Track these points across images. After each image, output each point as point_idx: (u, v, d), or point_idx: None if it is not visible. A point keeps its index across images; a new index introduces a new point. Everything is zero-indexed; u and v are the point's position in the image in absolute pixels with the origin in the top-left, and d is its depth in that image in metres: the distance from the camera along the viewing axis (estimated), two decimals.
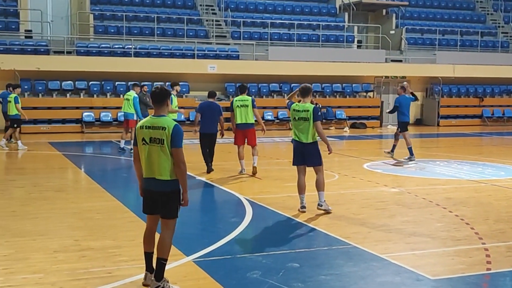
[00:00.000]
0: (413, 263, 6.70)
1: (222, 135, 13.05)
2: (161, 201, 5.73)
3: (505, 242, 7.68)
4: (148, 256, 5.96)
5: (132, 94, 16.74)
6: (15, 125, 17.75)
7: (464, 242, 7.64)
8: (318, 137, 9.17)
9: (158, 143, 5.64)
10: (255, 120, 12.96)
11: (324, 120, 25.91)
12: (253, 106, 12.78)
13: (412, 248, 7.37)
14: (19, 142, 17.67)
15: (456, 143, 20.96)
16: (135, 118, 16.61)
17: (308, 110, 9.00)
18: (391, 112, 16.59)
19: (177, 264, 6.58)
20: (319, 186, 9.17)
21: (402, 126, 15.52)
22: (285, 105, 25.55)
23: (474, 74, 28.87)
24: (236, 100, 12.87)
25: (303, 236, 8.05)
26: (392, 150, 15.81)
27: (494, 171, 13.93)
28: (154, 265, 5.92)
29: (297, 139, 9.22)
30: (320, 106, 25.64)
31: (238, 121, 12.74)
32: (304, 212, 9.14)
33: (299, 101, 9.30)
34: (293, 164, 9.39)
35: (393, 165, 14.88)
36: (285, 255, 6.99)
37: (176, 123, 5.72)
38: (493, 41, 32.02)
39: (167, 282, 5.74)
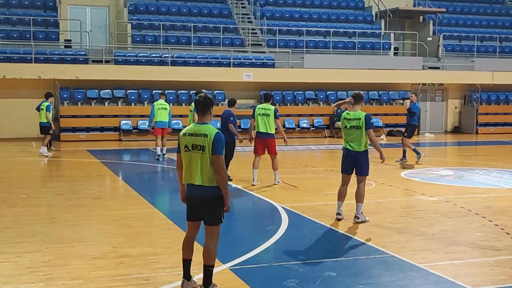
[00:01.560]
0: (452, 273, 6.60)
1: (240, 141, 12.45)
2: (204, 207, 5.78)
3: None
4: (186, 263, 6.01)
5: (160, 103, 17.20)
6: (45, 133, 18.18)
7: (505, 252, 7.49)
8: (370, 145, 9.13)
9: (200, 149, 5.72)
10: (276, 130, 12.60)
11: None
12: (276, 117, 12.40)
13: (451, 257, 7.26)
14: (42, 147, 18.00)
15: (495, 151, 20.59)
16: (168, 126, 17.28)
17: (360, 118, 8.87)
18: (413, 120, 16.56)
19: (214, 271, 6.59)
20: (359, 198, 9.06)
21: (413, 132, 16.44)
22: (321, 112, 25.55)
23: None
24: (258, 108, 12.59)
25: (340, 245, 8.00)
26: (404, 155, 16.44)
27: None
28: (191, 272, 5.97)
29: (348, 147, 9.08)
30: None
31: (259, 130, 12.46)
32: (340, 219, 9.08)
33: (346, 109, 9.19)
34: (342, 172, 9.27)
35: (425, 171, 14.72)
36: (322, 264, 6.95)
37: (218, 130, 5.79)
38: None
39: (216, 286, 5.82)
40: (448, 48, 29.57)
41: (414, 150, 16.14)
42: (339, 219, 9.07)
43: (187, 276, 6.00)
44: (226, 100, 24.68)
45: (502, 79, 27.85)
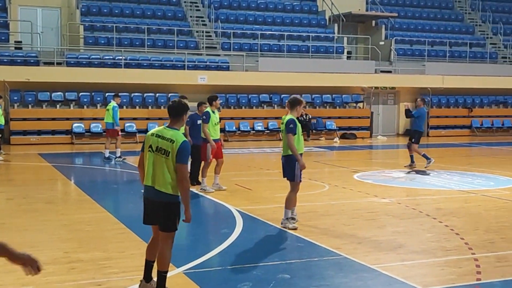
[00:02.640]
0: (404, 274, 6.71)
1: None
2: (160, 212, 5.74)
3: (494, 252, 7.71)
4: (148, 264, 5.98)
5: (112, 104, 17.26)
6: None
7: (454, 252, 7.66)
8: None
9: (164, 154, 5.67)
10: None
11: (314, 131, 26.03)
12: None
13: (402, 258, 7.39)
14: None
15: (445, 154, 21.05)
16: (114, 127, 17.25)
17: (283, 123, 8.93)
18: (411, 117, 16.56)
19: (168, 275, 6.54)
20: (285, 203, 8.94)
21: (420, 137, 16.21)
22: (275, 115, 25.65)
23: (463, 84, 29.07)
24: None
25: (294, 247, 8.05)
26: (412, 161, 16.06)
27: (483, 181, 14.00)
28: (153, 275, 5.93)
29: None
30: (310, 117, 25.77)
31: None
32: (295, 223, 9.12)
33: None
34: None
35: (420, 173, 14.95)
36: (276, 266, 6.98)
37: (185, 139, 5.73)
38: (481, 52, 32.26)
39: None
40: (400, 52, 30.13)
41: (424, 156, 15.86)
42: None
43: (147, 278, 5.96)
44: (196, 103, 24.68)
45: (452, 82, 28.52)
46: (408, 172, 15.43)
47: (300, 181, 8.95)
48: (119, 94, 18.82)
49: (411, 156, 16.08)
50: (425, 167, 15.79)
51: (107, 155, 17.46)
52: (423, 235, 8.63)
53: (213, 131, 12.01)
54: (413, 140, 16.10)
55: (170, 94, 24.51)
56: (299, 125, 8.90)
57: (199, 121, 12.17)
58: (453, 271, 6.86)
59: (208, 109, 12.14)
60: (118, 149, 17.36)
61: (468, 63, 30.61)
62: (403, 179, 14.42)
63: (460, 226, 9.18)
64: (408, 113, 16.38)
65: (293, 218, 8.89)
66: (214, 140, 11.94)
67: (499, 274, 6.80)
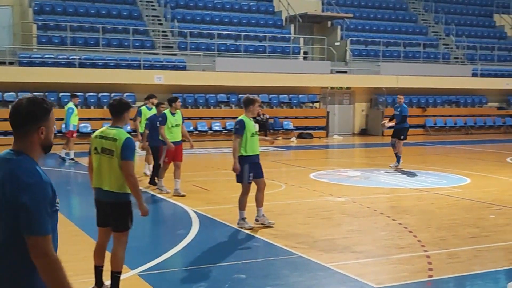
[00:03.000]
0: (358, 272, 6.80)
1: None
2: (111, 213, 5.70)
3: (446, 249, 7.88)
4: (97, 270, 5.90)
5: (68, 105, 17.05)
6: None
7: (407, 250, 7.80)
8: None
9: (108, 154, 5.65)
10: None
11: (271, 131, 26.12)
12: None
13: (357, 257, 7.48)
14: None
15: None
16: (71, 128, 17.12)
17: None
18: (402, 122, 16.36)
19: (122, 277, 6.47)
20: (238, 204, 8.92)
21: (407, 133, 16.34)
22: (233, 115, 25.61)
23: (416, 84, 29.58)
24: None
25: (249, 247, 8.06)
26: (398, 161, 16.10)
27: (436, 180, 14.28)
28: (103, 279, 5.86)
29: None
30: (268, 117, 25.86)
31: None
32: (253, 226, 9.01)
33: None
34: None
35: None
36: (232, 267, 6.99)
37: (128, 136, 5.70)
38: (434, 52, 32.89)
39: None
40: (355, 53, 30.47)
41: (397, 155, 16.07)
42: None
43: (99, 283, 5.89)
44: (137, 103, 24.45)
45: (406, 82, 28.97)
46: (395, 170, 15.59)
47: (249, 182, 8.78)
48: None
49: (398, 156, 15.99)
50: (390, 166, 16.05)
51: (62, 155, 17.38)
52: (377, 233, 8.75)
53: (171, 134, 11.64)
54: (402, 137, 16.14)
55: (125, 94, 24.22)
56: (249, 126, 8.73)
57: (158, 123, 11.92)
58: (405, 269, 6.98)
59: (167, 110, 11.90)
60: (71, 150, 17.20)
61: (421, 64, 31.16)
62: (358, 178, 14.59)
63: (413, 224, 9.34)
64: (384, 127, 16.67)
65: (256, 219, 8.87)
66: (174, 142, 11.61)
67: (450, 271, 6.95)
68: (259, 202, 8.90)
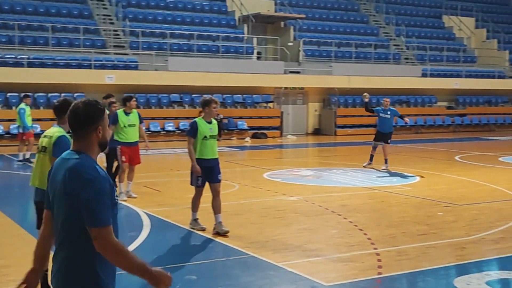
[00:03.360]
0: (309, 271, 6.84)
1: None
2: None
3: (395, 246, 7.99)
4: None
5: (20, 106, 16.68)
6: None
7: (357, 247, 7.88)
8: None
9: (43, 151, 5.68)
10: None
11: (225, 131, 26.09)
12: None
13: (308, 255, 7.52)
14: None
15: (352, 152, 21.64)
16: (24, 130, 16.72)
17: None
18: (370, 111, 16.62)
19: None
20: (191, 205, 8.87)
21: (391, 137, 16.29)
22: (186, 115, 25.47)
23: (368, 85, 29.92)
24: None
25: (201, 248, 8.02)
26: (371, 160, 16.15)
27: (387, 178, 14.50)
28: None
29: None
30: (222, 117, 25.80)
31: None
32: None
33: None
34: None
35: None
36: (183, 268, 6.94)
37: (63, 134, 5.63)
38: (385, 53, 33.40)
39: None
40: (308, 53, 30.69)
41: (371, 156, 16.07)
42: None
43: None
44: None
45: (358, 83, 29.34)
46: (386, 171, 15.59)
47: (199, 186, 8.53)
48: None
49: (386, 159, 15.91)
50: (364, 166, 16.11)
51: (27, 156, 16.91)
52: (328, 232, 8.83)
53: (124, 134, 11.19)
54: (389, 141, 16.07)
55: (76, 94, 23.83)
56: (203, 128, 8.42)
57: None
58: (356, 266, 7.05)
59: (120, 110, 11.46)
60: (20, 152, 16.84)
61: (373, 64, 31.61)
62: (311, 177, 14.70)
63: (363, 222, 9.45)
64: (368, 107, 16.28)
65: (218, 225, 8.52)
66: (128, 143, 11.15)
67: (399, 268, 7.05)
68: (214, 209, 8.54)
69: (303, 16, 32.37)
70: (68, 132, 5.73)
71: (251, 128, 27.01)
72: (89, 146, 3.20)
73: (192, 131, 8.45)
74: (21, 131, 16.92)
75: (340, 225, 9.28)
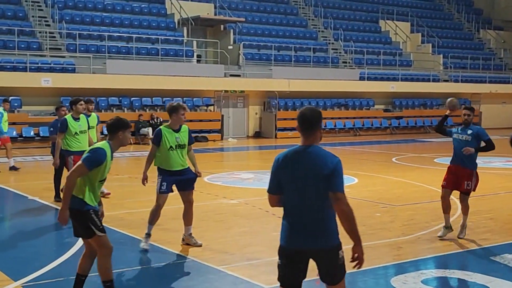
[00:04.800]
0: (249, 273, 6.85)
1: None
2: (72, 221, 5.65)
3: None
4: (77, 277, 5.85)
5: None
6: None
7: None
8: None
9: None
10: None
11: None
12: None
13: (248, 258, 7.53)
14: None
15: None
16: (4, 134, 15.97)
17: None
18: None
19: None
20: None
21: None
22: (126, 118, 25.12)
23: (307, 88, 30.34)
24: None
25: (140, 253, 7.91)
26: None
27: None
28: None
29: None
30: (161, 120, 25.58)
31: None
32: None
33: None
34: None
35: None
36: (122, 274, 6.82)
37: (97, 147, 5.69)
38: (324, 57, 33.86)
39: None
40: (248, 57, 30.81)
41: None
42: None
43: None
44: (23, 107, 23.45)
45: (297, 86, 29.65)
46: None
47: (162, 192, 8.01)
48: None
49: None
50: None
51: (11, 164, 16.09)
52: (269, 234, 8.86)
53: (75, 141, 10.46)
54: None
55: (11, 98, 23.15)
56: (168, 138, 7.85)
57: None
58: None
59: (69, 115, 10.65)
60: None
61: (312, 67, 31.99)
62: (252, 180, 14.74)
63: None
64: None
65: (183, 238, 8.15)
66: (76, 152, 10.26)
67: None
68: (186, 220, 8.19)
69: (243, 19, 32.46)
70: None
71: (192, 131, 26.83)
72: (316, 140, 4.41)
73: (155, 139, 7.88)
74: (4, 135, 16.02)
75: (280, 227, 9.32)
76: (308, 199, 4.32)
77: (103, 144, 5.65)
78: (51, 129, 11.79)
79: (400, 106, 34.76)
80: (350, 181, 14.37)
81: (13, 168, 15.91)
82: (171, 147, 7.86)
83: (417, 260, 7.69)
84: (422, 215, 10.40)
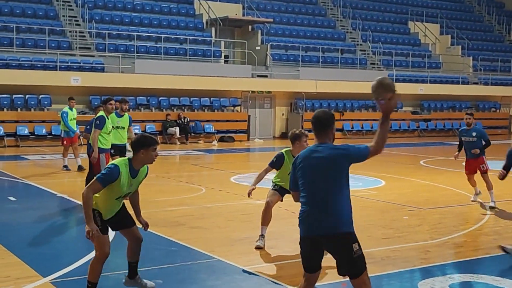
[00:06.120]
0: (275, 274, 6.85)
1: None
2: None
3: None
4: (129, 265, 6.28)
5: (63, 109, 15.95)
6: None
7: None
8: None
9: None
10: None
11: (192, 134, 26.00)
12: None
13: (274, 259, 7.53)
14: None
15: None
16: (69, 135, 15.82)
17: None
18: None
19: (33, 286, 6.27)
20: None
21: None
22: (153, 118, 25.30)
23: (335, 89, 30.22)
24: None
25: (167, 252, 7.96)
26: None
27: (352, 182, 14.39)
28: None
29: None
30: (189, 120, 25.73)
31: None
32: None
33: None
34: None
35: None
36: (148, 272, 6.87)
37: (125, 158, 5.84)
38: (352, 58, 33.70)
39: None
40: (275, 57, 30.80)
41: None
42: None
43: (131, 275, 6.25)
44: (53, 105, 23.77)
45: (324, 87, 29.55)
46: None
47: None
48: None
49: None
50: None
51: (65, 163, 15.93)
52: (295, 235, 8.77)
53: (106, 139, 10.72)
54: None
55: (41, 96, 23.53)
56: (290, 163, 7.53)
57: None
58: (322, 270, 7.06)
59: (102, 113, 10.86)
60: (65, 158, 16.07)
61: (339, 69, 31.85)
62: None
63: None
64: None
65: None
66: (104, 150, 10.63)
67: None
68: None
69: (271, 20, 32.48)
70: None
71: (218, 132, 26.98)
72: (329, 139, 4.99)
73: (277, 163, 8.28)
74: (64, 135, 15.95)
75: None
76: (322, 190, 4.75)
77: (121, 161, 5.70)
78: (88, 127, 11.98)
79: (428, 109, 34.44)
80: (377, 184, 14.28)
81: (80, 168, 15.50)
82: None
83: (445, 264, 7.61)
84: (450, 219, 10.30)
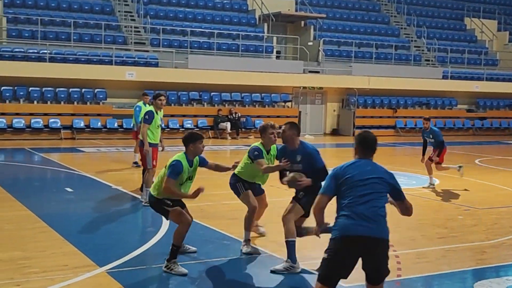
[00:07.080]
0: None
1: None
2: None
3: (414, 249, 7.95)
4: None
5: (137, 103, 15.54)
6: None
7: None
8: None
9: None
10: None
11: (243, 129, 26.11)
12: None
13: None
14: None
15: None
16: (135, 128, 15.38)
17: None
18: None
19: (90, 275, 6.41)
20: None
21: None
22: (205, 113, 25.52)
23: (388, 86, 29.84)
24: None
25: (220, 245, 8.02)
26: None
27: (406, 180, 14.40)
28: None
29: None
30: (240, 115, 25.84)
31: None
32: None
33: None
34: None
35: None
36: (201, 265, 6.95)
37: (176, 159, 6.90)
38: (406, 54, 33.20)
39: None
40: (328, 53, 30.60)
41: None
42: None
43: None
44: (108, 99, 24.24)
45: (377, 83, 29.21)
46: None
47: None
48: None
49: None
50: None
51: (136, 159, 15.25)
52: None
53: (152, 135, 10.67)
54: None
55: (96, 90, 24.03)
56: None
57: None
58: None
59: (152, 108, 10.91)
60: (136, 154, 15.23)
61: (393, 65, 31.43)
62: None
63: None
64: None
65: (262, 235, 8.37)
66: (152, 144, 10.61)
67: (417, 270, 7.01)
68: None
69: (324, 15, 32.29)
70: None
71: None
72: (373, 157, 5.46)
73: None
74: (135, 129, 15.35)
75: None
76: (369, 195, 4.97)
77: (180, 156, 6.91)
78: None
79: (484, 107, 33.64)
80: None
81: (136, 164, 15.22)
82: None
83: (502, 265, 7.44)
84: (507, 220, 10.05)
